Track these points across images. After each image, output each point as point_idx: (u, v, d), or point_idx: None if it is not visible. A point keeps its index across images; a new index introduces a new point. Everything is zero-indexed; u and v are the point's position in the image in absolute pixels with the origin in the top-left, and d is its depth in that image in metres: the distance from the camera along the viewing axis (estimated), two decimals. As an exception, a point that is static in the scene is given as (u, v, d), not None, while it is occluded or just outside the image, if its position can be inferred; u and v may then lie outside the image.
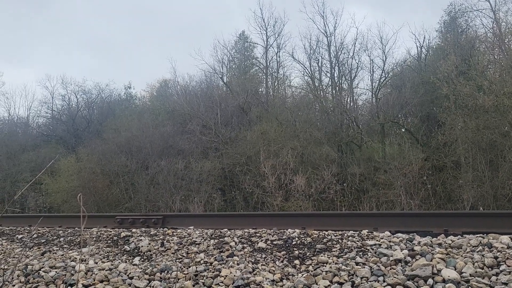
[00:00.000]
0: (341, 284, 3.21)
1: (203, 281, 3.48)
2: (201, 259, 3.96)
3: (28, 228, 6.40)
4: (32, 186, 24.36)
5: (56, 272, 3.90)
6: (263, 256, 3.97)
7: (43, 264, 4.12)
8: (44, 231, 6.02)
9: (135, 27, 64.48)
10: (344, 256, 3.69)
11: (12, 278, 3.85)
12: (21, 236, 5.78)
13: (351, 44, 26.48)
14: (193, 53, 56.44)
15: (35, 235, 5.75)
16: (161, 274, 3.68)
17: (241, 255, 4.03)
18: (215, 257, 3.97)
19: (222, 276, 3.50)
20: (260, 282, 3.34)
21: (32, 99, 57.95)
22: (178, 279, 3.58)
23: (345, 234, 4.37)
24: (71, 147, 28.88)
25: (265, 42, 29.53)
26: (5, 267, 4.26)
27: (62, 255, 4.51)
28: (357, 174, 19.29)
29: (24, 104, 52.10)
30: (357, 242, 4.03)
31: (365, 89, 26.90)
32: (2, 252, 4.90)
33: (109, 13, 66.57)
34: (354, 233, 4.39)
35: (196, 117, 24.12)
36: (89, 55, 63.04)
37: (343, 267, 3.43)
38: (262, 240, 4.42)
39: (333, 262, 3.58)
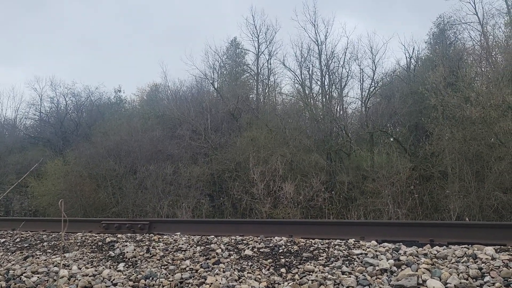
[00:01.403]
0: (326, 293, 3.20)
1: (188, 288, 3.45)
2: (187, 266, 3.93)
3: (11, 232, 6.29)
4: (18, 188, 24.02)
5: (38, 277, 3.83)
6: (250, 263, 3.95)
7: (25, 269, 4.05)
8: (27, 235, 5.92)
9: (126, 31, 64.41)
10: (330, 265, 3.69)
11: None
12: (4, 240, 5.68)
13: (342, 53, 26.78)
14: (184, 58, 56.49)
15: (18, 239, 5.65)
16: (145, 281, 3.63)
17: (227, 262, 4.01)
18: (201, 264, 3.94)
19: (208, 284, 3.47)
20: (245, 290, 3.32)
21: (20, 101, 57.40)
22: (163, 286, 3.54)
23: (332, 243, 4.36)
24: (58, 150, 28.55)
25: (257, 49, 29.70)
26: (-14, 271, 4.17)
27: (45, 260, 4.43)
28: (345, 182, 19.35)
29: (11, 105, 51.54)
30: (343, 251, 4.03)
31: (354, 98, 27.14)
32: (-17, 256, 4.81)
33: (101, 15, 66.38)
34: (340, 242, 4.39)
35: (186, 122, 24.04)
36: (79, 57, 62.69)
37: (329, 276, 3.42)
38: (248, 248, 4.39)
39: (319, 271, 3.57)
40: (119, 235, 5.46)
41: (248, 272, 3.71)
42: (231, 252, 4.31)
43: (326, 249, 4.17)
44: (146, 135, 23.26)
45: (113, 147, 22.67)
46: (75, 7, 64.24)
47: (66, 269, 4.01)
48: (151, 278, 3.67)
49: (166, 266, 4.00)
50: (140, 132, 23.69)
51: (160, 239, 5.00)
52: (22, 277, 3.86)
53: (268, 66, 29.72)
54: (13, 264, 4.29)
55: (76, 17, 65.10)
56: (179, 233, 5.56)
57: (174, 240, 4.93)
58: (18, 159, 27.31)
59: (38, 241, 5.44)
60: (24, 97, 71.03)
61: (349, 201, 19.07)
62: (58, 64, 62.79)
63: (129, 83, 77.94)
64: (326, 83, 26.42)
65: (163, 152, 22.27)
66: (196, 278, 3.63)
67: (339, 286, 3.27)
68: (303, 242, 4.48)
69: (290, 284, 3.37)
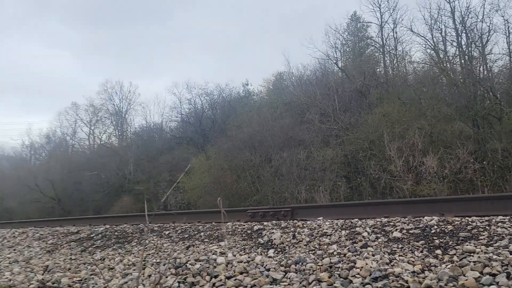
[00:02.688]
0: (493, 275, 2.89)
1: (338, 272, 3.45)
2: (334, 251, 3.93)
3: (173, 225, 7.05)
4: (171, 185, 26.97)
5: (200, 264, 4.23)
6: (400, 246, 3.78)
7: (189, 258, 4.51)
8: (186, 226, 6.58)
9: (247, 26, 66.96)
10: (494, 245, 3.32)
11: (165, 271, 4.29)
12: (168, 232, 6.41)
13: (480, 6, 23.67)
14: (305, 42, 56.14)
15: (179, 231, 6.32)
16: (296, 266, 3.74)
17: (375, 245, 3.90)
18: (348, 248, 3.90)
19: (358, 268, 3.42)
20: (399, 273, 3.18)
21: (164, 106, 63.96)
22: (313, 270, 3.60)
23: (493, 220, 3.93)
24: (200, 147, 31.12)
25: (380, 20, 28.04)
26: (158, 260, 4.76)
27: (204, 248, 4.87)
28: (499, 150, 17.23)
29: (157, 111, 57.96)
30: (509, 229, 3.59)
31: (501, 54, 23.81)
32: (154, 247, 5.49)
33: (223, 16, 70.20)
34: (504, 219, 3.92)
35: (314, 106, 24.05)
36: (209, 58, 67.33)
37: (495, 256, 3.08)
38: (396, 230, 4.21)
39: (482, 251, 3.25)
40: (265, 223, 5.72)
41: (399, 255, 3.56)
42: (378, 235, 4.18)
43: (487, 227, 3.77)
44: (276, 124, 23.92)
45: (247, 139, 23.86)
46: (201, 13, 69.04)
47: (222, 256, 4.36)
48: (300, 263, 3.77)
49: (313, 251, 4.06)
50: (270, 121, 24.44)
51: (304, 225, 5.10)
52: (187, 264, 4.31)
53: (394, 36, 27.85)
54: (178, 253, 4.82)
55: (202, 22, 69.95)
56: (321, 218, 5.59)
57: (318, 225, 4.97)
58: (168, 158, 30.71)
59: (196, 232, 6.00)
60: (166, 102, 79.31)
61: (506, 170, 16.94)
62: (191, 68, 68.46)
63: (255, 75, 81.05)
64: (463, 43, 23.72)
65: (295, 138, 22.65)
66: (345, 262, 3.61)
67: (508, 267, 2.92)
68: (458, 220, 4.12)
69: (448, 266, 3.13)
